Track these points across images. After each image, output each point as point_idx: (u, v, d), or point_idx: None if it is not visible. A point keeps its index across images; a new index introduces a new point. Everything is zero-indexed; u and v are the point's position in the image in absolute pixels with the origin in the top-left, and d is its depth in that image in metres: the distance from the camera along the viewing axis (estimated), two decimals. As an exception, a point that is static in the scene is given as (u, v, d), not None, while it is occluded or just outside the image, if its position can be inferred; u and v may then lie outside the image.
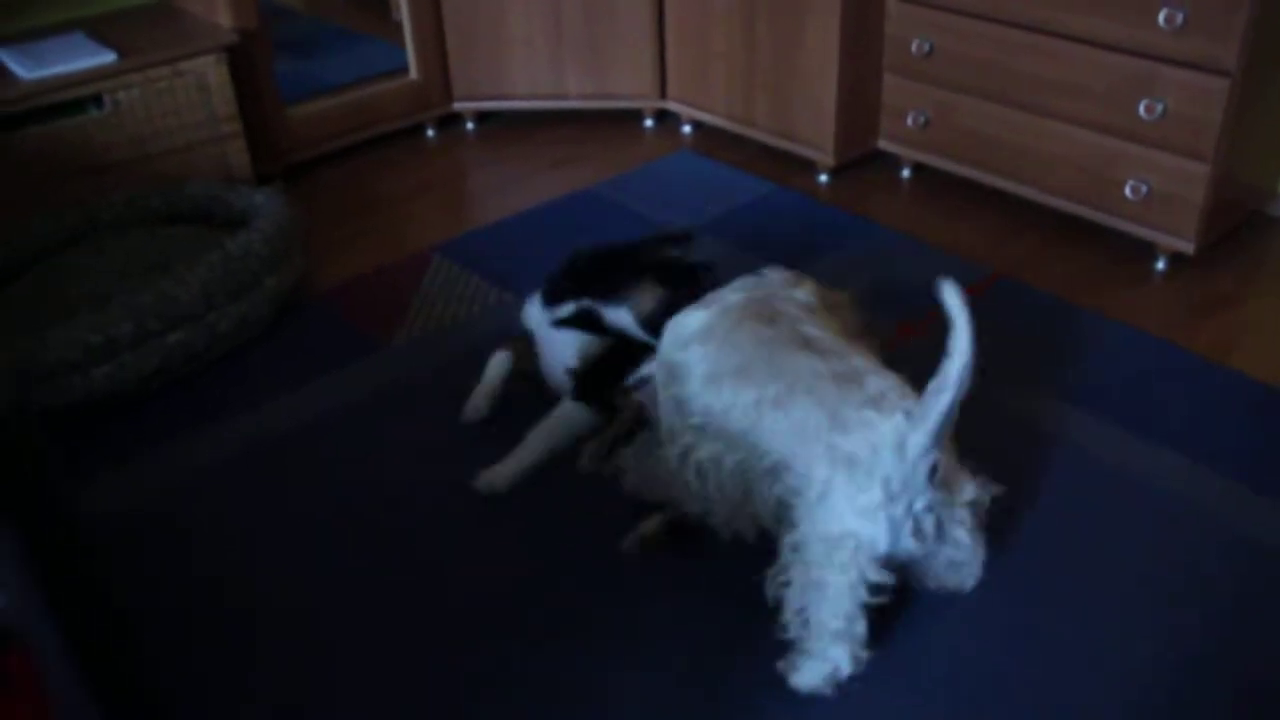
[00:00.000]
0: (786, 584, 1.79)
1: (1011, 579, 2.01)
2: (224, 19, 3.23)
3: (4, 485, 1.26)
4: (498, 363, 2.47)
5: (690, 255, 2.35)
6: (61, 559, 1.35)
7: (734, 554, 1.94)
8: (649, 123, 3.83)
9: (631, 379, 2.15)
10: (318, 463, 2.36)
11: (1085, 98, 2.89)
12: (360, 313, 2.86)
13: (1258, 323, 2.72)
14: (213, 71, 3.13)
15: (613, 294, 2.27)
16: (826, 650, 1.78)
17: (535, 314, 2.40)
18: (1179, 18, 2.64)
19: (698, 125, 3.78)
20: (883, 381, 1.80)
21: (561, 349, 2.33)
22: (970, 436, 1.94)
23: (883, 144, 3.44)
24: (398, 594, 2.04)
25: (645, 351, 2.17)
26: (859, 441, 1.73)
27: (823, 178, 3.44)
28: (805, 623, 1.78)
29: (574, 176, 3.51)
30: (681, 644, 1.92)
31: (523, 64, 3.69)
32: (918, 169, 3.44)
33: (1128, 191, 2.88)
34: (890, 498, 1.71)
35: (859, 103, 3.34)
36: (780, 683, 1.83)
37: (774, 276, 2.10)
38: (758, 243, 3.06)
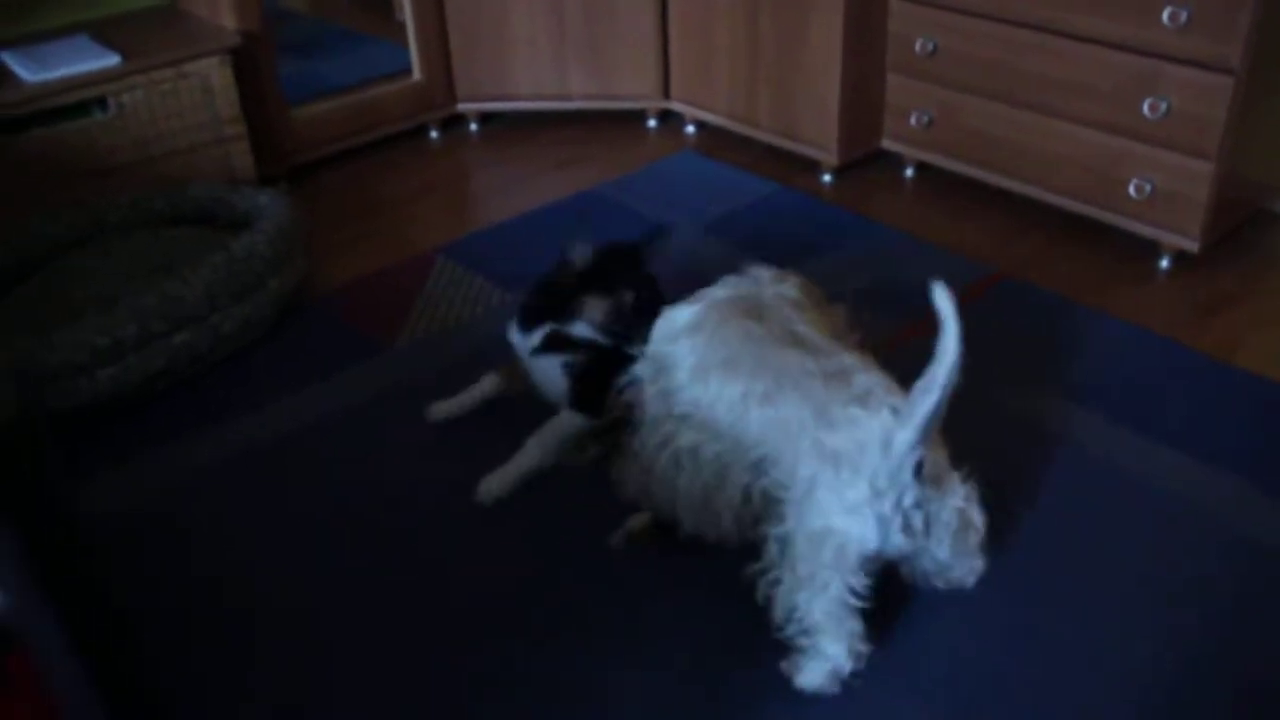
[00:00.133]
0: (776, 582, 1.80)
1: (1012, 578, 2.01)
2: (228, 21, 3.23)
3: (6, 486, 1.26)
4: (485, 385, 2.47)
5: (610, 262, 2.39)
6: (62, 559, 1.35)
7: (736, 553, 1.94)
8: (652, 123, 3.83)
9: (621, 381, 2.17)
10: (318, 463, 2.36)
11: (1089, 97, 2.88)
12: (363, 314, 2.86)
13: (1262, 321, 2.71)
14: (216, 73, 3.14)
15: (566, 314, 2.31)
16: (824, 648, 1.78)
17: (517, 340, 2.42)
18: (1183, 16, 2.63)
19: (701, 125, 3.77)
20: (869, 379, 1.80)
21: (548, 370, 2.35)
22: (972, 436, 1.94)
23: (886, 144, 3.44)
24: (398, 594, 2.04)
25: (632, 356, 2.19)
26: (845, 438, 1.74)
27: (826, 177, 3.44)
28: (799, 621, 1.78)
29: (578, 177, 3.51)
30: (683, 643, 1.92)
31: (526, 65, 3.69)
32: (921, 168, 3.44)
33: (1132, 190, 2.87)
34: (877, 494, 1.72)
35: (863, 102, 3.33)
36: (781, 682, 1.83)
37: (761, 274, 2.10)
38: (761, 243, 3.06)
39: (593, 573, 2.06)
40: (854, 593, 1.76)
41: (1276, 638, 1.89)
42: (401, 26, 3.66)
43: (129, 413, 2.50)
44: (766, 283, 2.07)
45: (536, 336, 2.35)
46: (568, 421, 2.31)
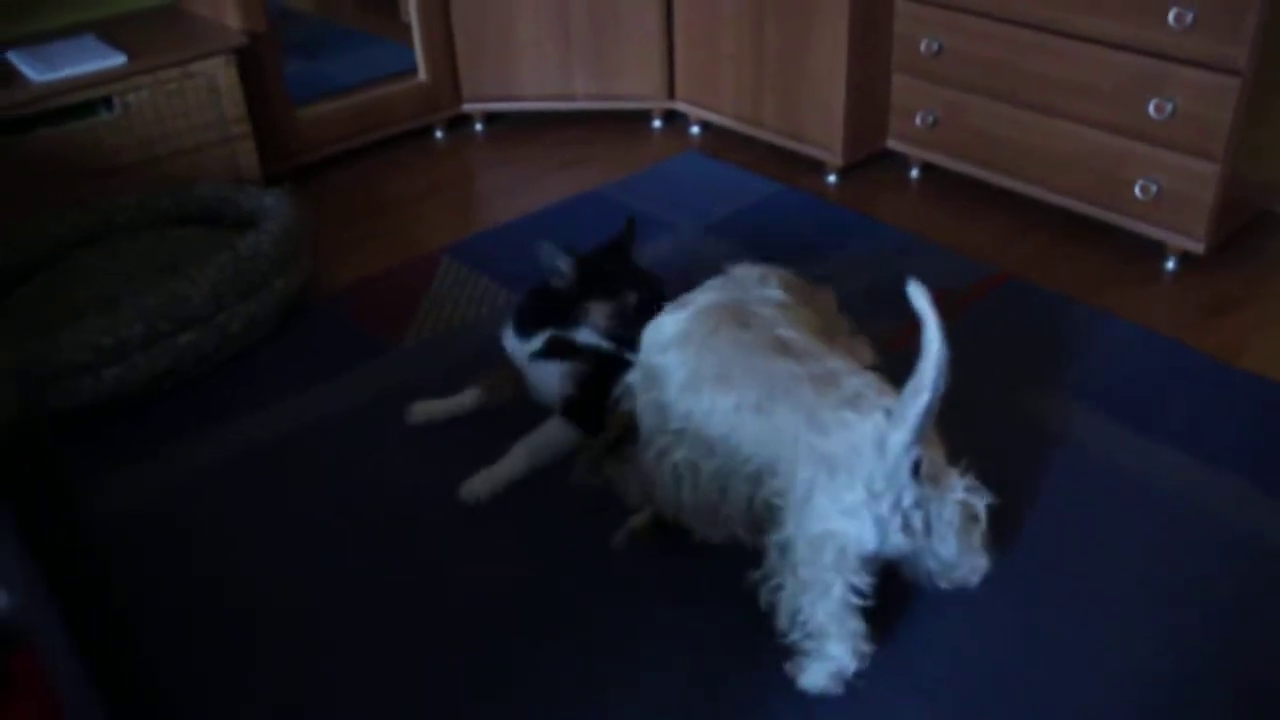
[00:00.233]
0: (779, 588, 1.80)
1: (1014, 578, 2.00)
2: (233, 21, 3.24)
3: (11, 486, 1.26)
4: (466, 398, 2.46)
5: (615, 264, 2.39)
6: (68, 559, 1.35)
7: (737, 555, 1.94)
8: (657, 123, 3.83)
9: (615, 390, 2.15)
10: (319, 463, 2.36)
11: (1094, 97, 2.87)
12: (369, 314, 2.86)
13: (1267, 323, 2.70)
14: (222, 73, 3.14)
15: (569, 320, 2.31)
16: (827, 649, 1.78)
17: (513, 345, 2.42)
18: (1189, 17, 2.62)
19: (706, 126, 3.77)
20: (859, 381, 1.80)
21: (547, 376, 2.35)
22: (976, 436, 1.94)
23: (891, 144, 3.43)
24: (398, 594, 2.04)
25: (627, 365, 2.18)
26: (838, 442, 1.74)
27: (831, 178, 3.43)
28: (802, 624, 1.78)
29: (582, 177, 3.51)
30: (684, 644, 1.92)
31: (531, 65, 3.69)
32: (926, 169, 3.43)
33: (1137, 191, 2.86)
34: (874, 496, 1.71)
35: (867, 103, 3.33)
36: (783, 683, 1.83)
37: (743, 274, 2.10)
38: (766, 243, 3.06)
39: (593, 573, 2.06)
40: (857, 593, 1.76)
41: (1277, 638, 1.88)
42: (407, 27, 3.66)
43: (131, 412, 2.51)
44: (751, 284, 2.06)
45: (536, 341, 2.35)
46: (558, 430, 2.30)
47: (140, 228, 2.93)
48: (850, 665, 1.79)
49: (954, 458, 1.86)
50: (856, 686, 1.81)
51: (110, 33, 3.20)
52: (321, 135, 3.52)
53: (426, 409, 2.45)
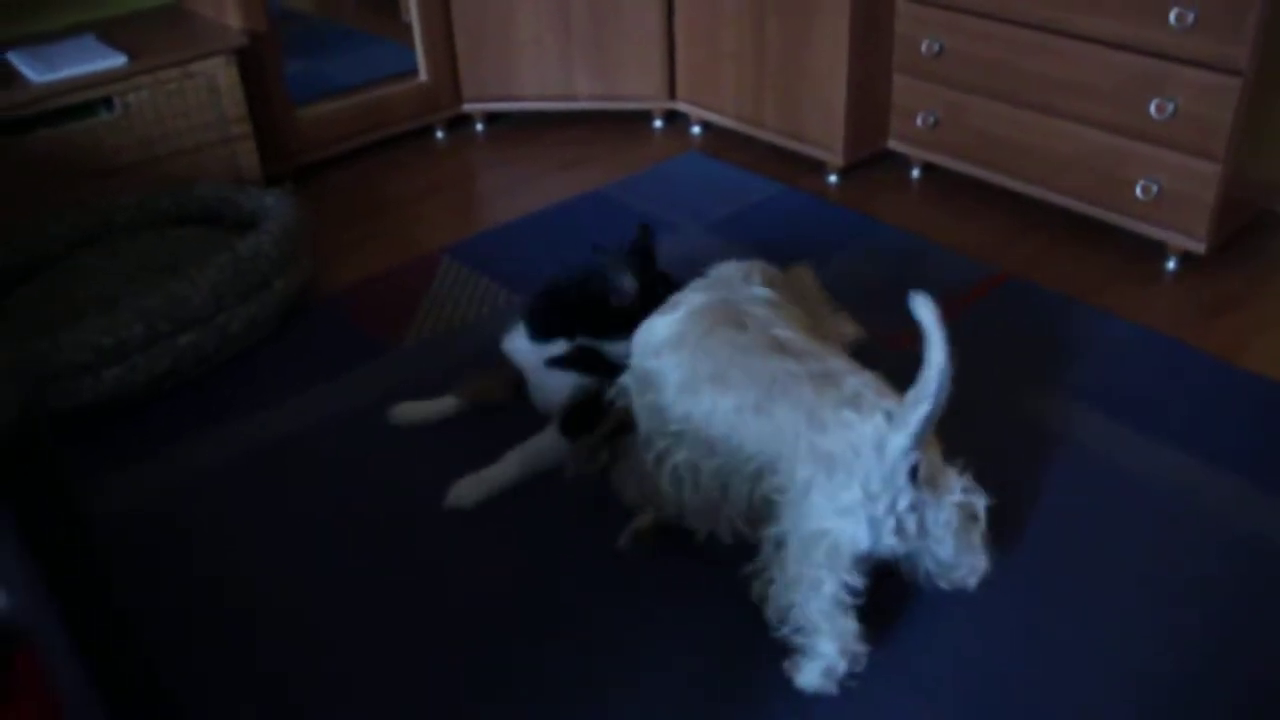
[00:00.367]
0: (770, 582, 1.80)
1: (1014, 578, 2.00)
2: (233, 21, 3.24)
3: (11, 486, 1.26)
4: (445, 404, 2.45)
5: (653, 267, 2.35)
6: (68, 559, 1.35)
7: (737, 554, 1.93)
8: (658, 124, 3.83)
9: (609, 393, 2.12)
10: (319, 463, 2.36)
11: (1095, 97, 2.87)
12: (369, 315, 2.86)
13: (1268, 323, 2.69)
14: (222, 73, 3.14)
15: (611, 329, 2.23)
16: (819, 647, 1.78)
17: (523, 348, 2.37)
18: (1190, 17, 2.62)
19: (707, 126, 3.77)
20: (859, 380, 1.80)
21: (556, 385, 2.32)
22: (976, 436, 1.93)
23: (892, 144, 3.43)
24: (397, 594, 2.04)
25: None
26: (838, 441, 1.74)
27: (832, 178, 3.43)
28: (793, 620, 1.79)
29: (583, 178, 3.51)
30: (684, 644, 1.92)
31: (532, 65, 3.69)
32: (927, 169, 3.43)
33: (1138, 191, 2.86)
34: (870, 497, 1.72)
35: (868, 103, 3.33)
36: (781, 682, 1.83)
37: (727, 272, 2.10)
38: (766, 243, 3.05)
39: (593, 573, 2.06)
40: (849, 592, 1.76)
41: (1277, 638, 1.88)
42: (407, 27, 3.66)
43: (131, 413, 2.51)
44: (738, 283, 2.06)
45: (554, 348, 2.32)
46: (554, 441, 2.27)
47: (140, 228, 2.93)
48: (840, 664, 1.79)
49: (953, 457, 1.86)
50: (855, 686, 1.81)
51: (110, 33, 3.20)
52: (322, 135, 3.52)
53: (408, 411, 2.44)
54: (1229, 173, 2.73)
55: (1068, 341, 2.63)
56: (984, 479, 1.88)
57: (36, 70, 2.93)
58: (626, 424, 2.07)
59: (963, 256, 2.99)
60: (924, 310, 1.65)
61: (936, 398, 1.66)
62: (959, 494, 1.82)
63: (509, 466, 2.25)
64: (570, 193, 3.42)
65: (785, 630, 1.81)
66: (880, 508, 1.72)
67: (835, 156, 3.38)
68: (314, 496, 2.27)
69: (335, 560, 2.12)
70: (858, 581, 1.77)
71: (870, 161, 3.47)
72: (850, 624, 1.78)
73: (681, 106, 3.75)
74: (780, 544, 1.79)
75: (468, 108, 3.80)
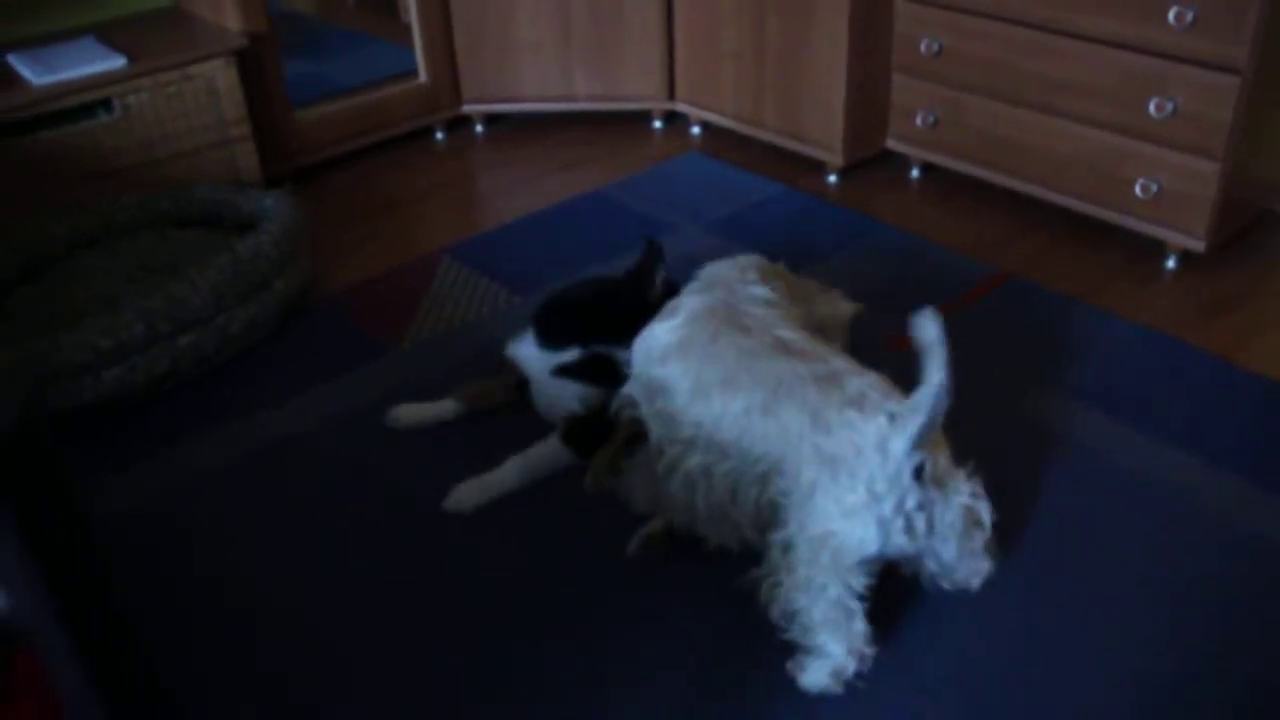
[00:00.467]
0: (777, 584, 1.79)
1: (1016, 578, 2.00)
2: (233, 23, 3.24)
3: (11, 486, 1.26)
4: (443, 408, 2.44)
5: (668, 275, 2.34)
6: (68, 559, 1.35)
7: (739, 557, 1.94)
8: (658, 124, 3.83)
9: (614, 405, 2.11)
10: (319, 463, 2.36)
11: (1095, 97, 2.87)
12: (369, 315, 2.86)
13: (1268, 322, 2.69)
14: (222, 75, 3.14)
15: (629, 333, 2.16)
16: (826, 648, 1.78)
17: (530, 355, 2.36)
18: (1189, 16, 2.62)
19: (706, 126, 3.77)
20: (862, 381, 1.80)
21: (564, 394, 2.31)
22: (977, 436, 1.93)
23: (891, 144, 3.43)
24: (398, 594, 2.04)
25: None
26: (841, 442, 1.74)
27: (831, 178, 3.43)
28: (800, 622, 1.78)
29: (583, 178, 3.51)
30: (685, 644, 1.92)
31: (531, 66, 3.70)
32: (927, 169, 3.43)
33: (1138, 190, 2.86)
34: (875, 498, 1.71)
35: (868, 103, 3.33)
36: (785, 683, 1.83)
37: (722, 273, 2.09)
38: (766, 243, 3.05)
39: (594, 574, 2.06)
40: (855, 594, 1.76)
41: (1277, 638, 1.88)
42: (407, 28, 3.66)
43: (131, 413, 2.51)
44: (735, 283, 2.06)
45: (566, 356, 2.31)
46: (552, 452, 2.27)
47: (140, 229, 2.94)
48: (849, 665, 1.79)
49: (957, 459, 1.86)
50: (858, 686, 1.81)
51: (110, 35, 3.20)
52: (322, 137, 3.52)
53: (406, 413, 2.44)
54: (1228, 172, 2.73)
55: (1068, 341, 2.63)
56: (984, 479, 1.88)
57: (36, 72, 2.93)
58: (639, 434, 2.05)
59: (963, 256, 2.99)
60: (928, 328, 1.65)
61: (933, 412, 1.66)
62: (966, 496, 1.82)
63: (509, 473, 2.24)
64: (570, 193, 3.42)
65: (792, 632, 1.80)
66: (887, 508, 1.72)
67: (835, 156, 3.38)
68: (314, 496, 2.27)
69: (335, 560, 2.12)
70: (864, 583, 1.77)
71: (870, 161, 3.47)
72: (860, 625, 1.78)
73: (681, 107, 3.75)
74: (787, 548, 1.78)
75: (467, 109, 3.80)
